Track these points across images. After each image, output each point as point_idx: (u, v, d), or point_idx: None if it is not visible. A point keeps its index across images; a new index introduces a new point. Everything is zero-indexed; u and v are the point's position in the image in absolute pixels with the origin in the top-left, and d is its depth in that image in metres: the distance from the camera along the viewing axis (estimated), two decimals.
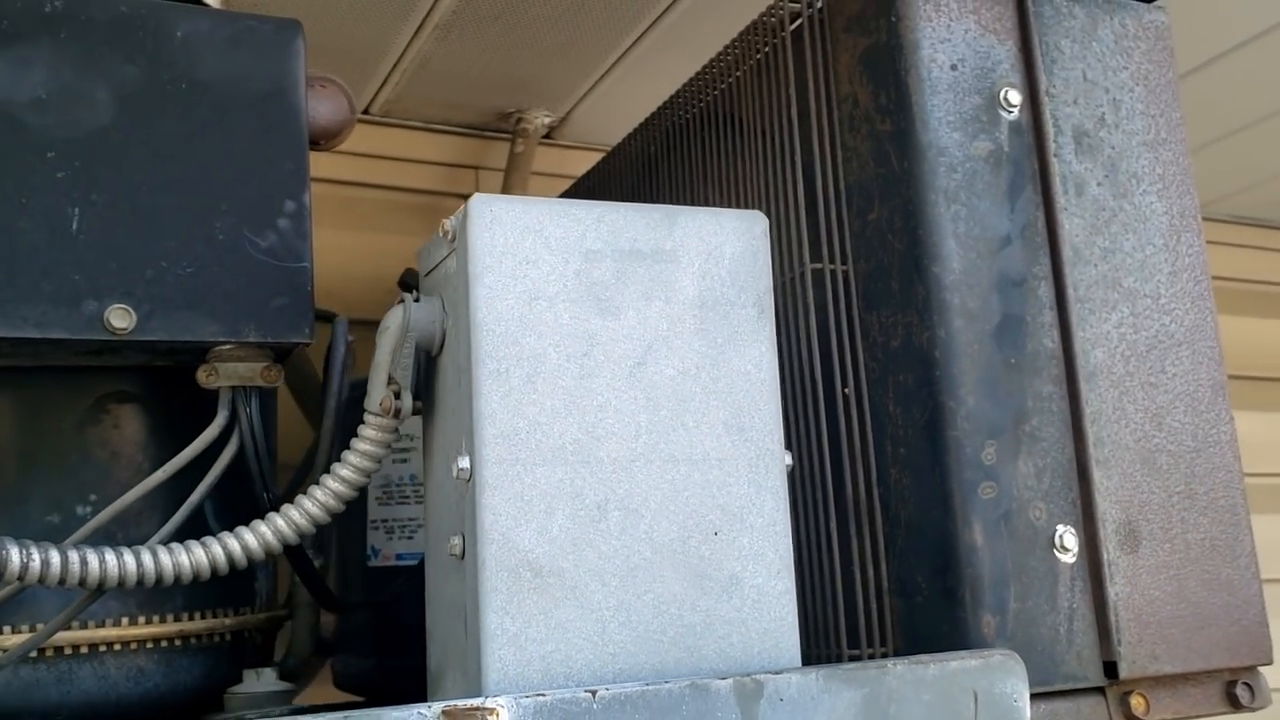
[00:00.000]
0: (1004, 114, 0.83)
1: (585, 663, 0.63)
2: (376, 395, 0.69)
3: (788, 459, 0.70)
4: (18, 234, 0.62)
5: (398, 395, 0.68)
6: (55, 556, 0.61)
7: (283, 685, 0.71)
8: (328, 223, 1.53)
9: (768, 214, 0.88)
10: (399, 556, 1.03)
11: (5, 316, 0.62)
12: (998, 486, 0.76)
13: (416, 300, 0.69)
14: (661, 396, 0.67)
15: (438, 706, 0.55)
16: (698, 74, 1.02)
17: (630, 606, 0.64)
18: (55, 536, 0.66)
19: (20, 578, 0.60)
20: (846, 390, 0.83)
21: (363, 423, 0.70)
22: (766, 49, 0.94)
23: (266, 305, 0.68)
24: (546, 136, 1.61)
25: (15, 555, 0.60)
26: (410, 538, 1.03)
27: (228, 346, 0.68)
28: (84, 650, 0.68)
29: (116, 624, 0.69)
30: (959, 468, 0.76)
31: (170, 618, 0.71)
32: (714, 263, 0.69)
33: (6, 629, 0.67)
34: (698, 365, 0.68)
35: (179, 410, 0.74)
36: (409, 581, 0.96)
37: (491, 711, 0.55)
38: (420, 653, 0.72)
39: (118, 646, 0.69)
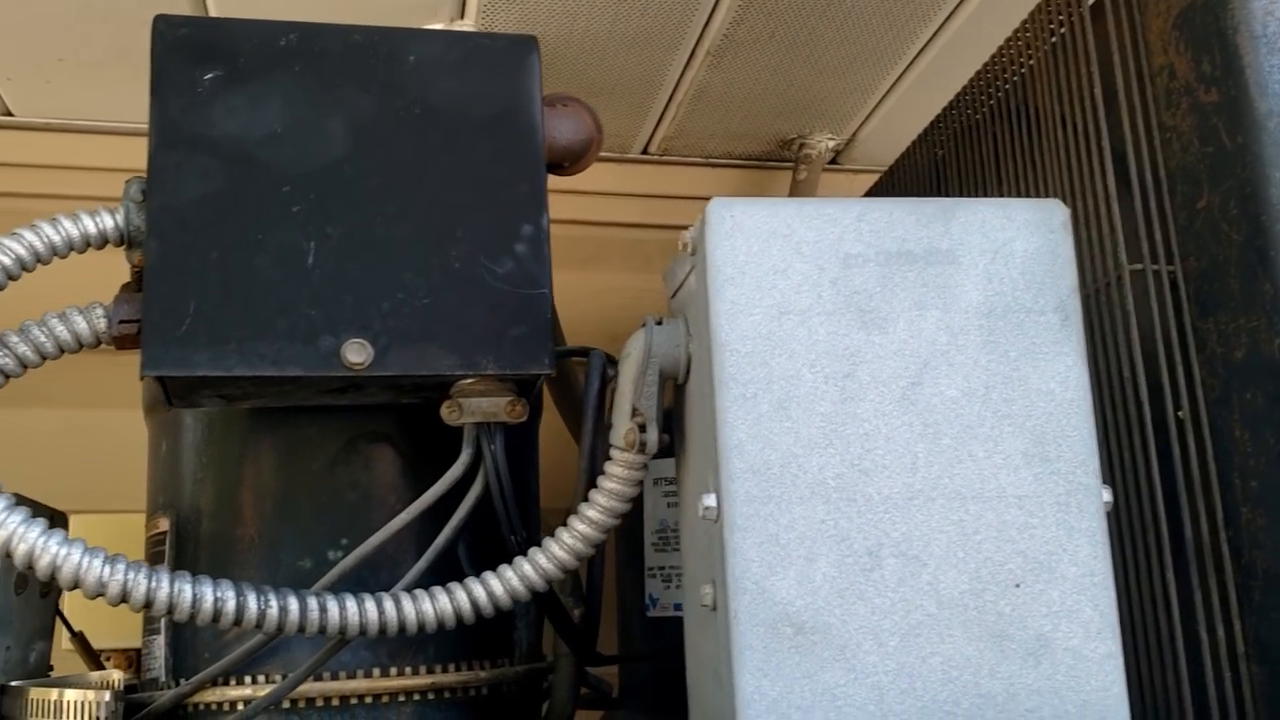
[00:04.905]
0: None
1: None
2: (621, 428, 0.63)
3: (1106, 495, 0.58)
4: (253, 271, 0.61)
5: (643, 428, 0.62)
6: (294, 604, 0.59)
7: None
8: (619, 265, 1.51)
9: (1072, 210, 0.76)
10: (676, 606, 0.97)
11: (243, 355, 0.60)
12: None
13: (659, 323, 0.63)
14: (942, 422, 0.57)
15: None
16: (984, 67, 0.91)
17: (913, 671, 0.54)
18: (307, 582, 0.64)
19: (259, 625, 0.58)
20: (1180, 413, 0.69)
21: (609, 459, 0.64)
22: (1062, 29, 0.82)
23: (504, 335, 0.64)
24: (832, 162, 1.52)
25: (253, 603, 0.58)
26: (679, 587, 0.96)
27: (469, 381, 0.64)
28: (334, 702, 0.66)
29: (367, 675, 0.66)
30: None
31: (423, 669, 0.68)
32: (1002, 262, 0.59)
33: (260, 678, 0.66)
34: (986, 385, 0.57)
35: (429, 450, 0.71)
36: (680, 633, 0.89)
37: None
38: None
39: (368, 699, 0.66)
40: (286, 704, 0.65)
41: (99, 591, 0.55)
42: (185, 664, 0.68)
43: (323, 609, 0.59)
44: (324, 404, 0.67)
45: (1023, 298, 0.58)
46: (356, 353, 0.61)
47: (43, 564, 0.54)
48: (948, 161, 0.97)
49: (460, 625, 0.62)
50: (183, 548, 0.70)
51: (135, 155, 0.66)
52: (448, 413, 0.66)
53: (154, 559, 0.71)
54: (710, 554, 0.57)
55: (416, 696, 0.67)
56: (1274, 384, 0.63)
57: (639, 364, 0.62)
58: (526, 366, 0.64)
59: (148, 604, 0.56)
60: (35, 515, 0.56)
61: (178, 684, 0.67)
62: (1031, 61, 0.85)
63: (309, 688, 0.64)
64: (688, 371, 0.62)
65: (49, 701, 0.65)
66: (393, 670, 0.67)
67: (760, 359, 0.56)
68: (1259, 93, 0.67)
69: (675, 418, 0.64)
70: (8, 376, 0.61)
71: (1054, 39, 0.82)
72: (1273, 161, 0.65)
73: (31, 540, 0.54)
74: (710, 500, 0.55)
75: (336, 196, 0.63)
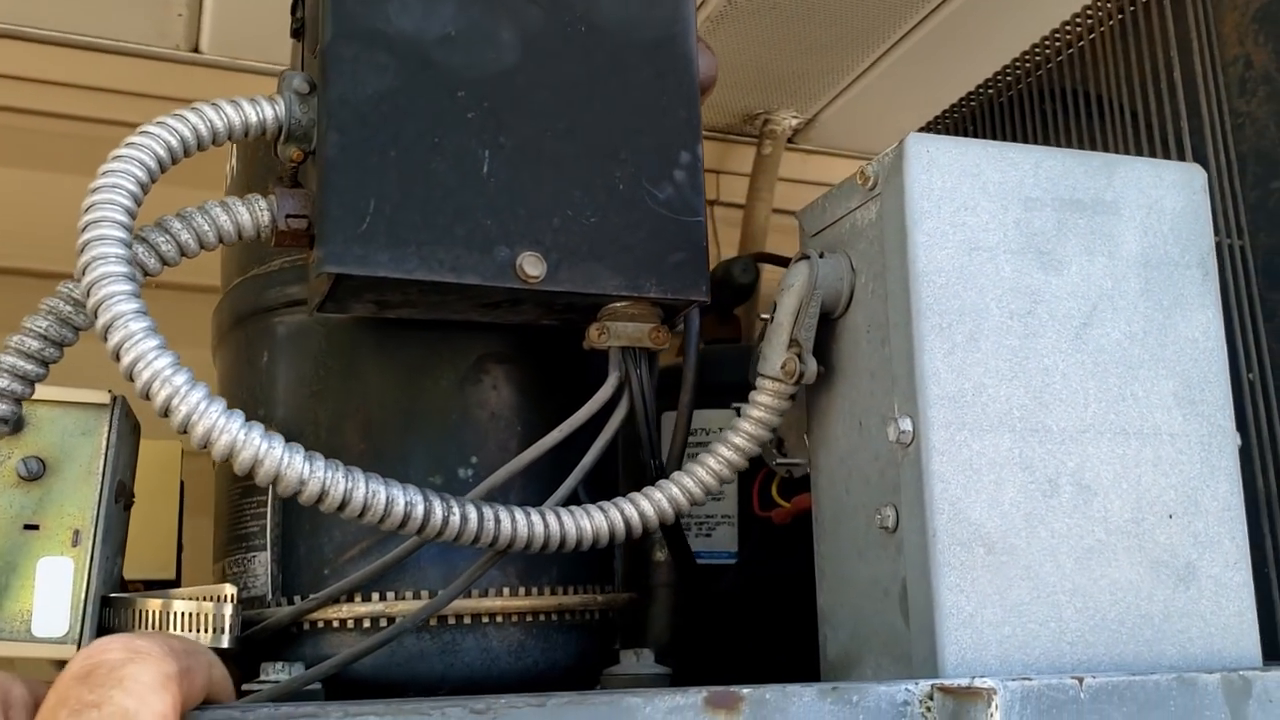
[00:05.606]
0: None
1: (1043, 650, 0.56)
2: (777, 358, 0.64)
3: (1238, 439, 0.63)
4: (431, 174, 0.59)
5: (801, 358, 0.63)
6: (473, 512, 0.58)
7: (661, 668, 0.66)
8: None
9: None
10: (698, 555, 0.98)
11: (423, 259, 0.58)
12: None
13: (821, 256, 0.64)
14: (1109, 361, 0.60)
15: (926, 684, 0.49)
16: (1035, 45, 0.96)
17: (1086, 592, 0.57)
18: None
19: (440, 533, 0.56)
20: (1251, 375, 0.75)
21: (754, 389, 0.65)
22: (1121, 15, 0.87)
23: (664, 261, 0.64)
24: (790, 140, 1.56)
25: (438, 508, 0.56)
26: (709, 535, 0.98)
27: (621, 304, 0.64)
28: (468, 620, 0.64)
29: (499, 594, 0.65)
30: None
31: (548, 590, 0.67)
32: (1155, 217, 0.63)
33: (389, 594, 0.64)
34: (1144, 329, 0.61)
35: (553, 374, 0.70)
36: (734, 580, 0.91)
37: (989, 692, 0.48)
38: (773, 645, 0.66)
39: (499, 619, 0.65)
40: (421, 624, 0.63)
41: (297, 489, 0.53)
42: (299, 581, 0.65)
43: (497, 519, 0.58)
44: (461, 319, 0.66)
45: (1172, 251, 0.63)
46: (533, 265, 0.60)
47: (244, 457, 0.52)
48: (977, 135, 1.02)
49: (577, 550, 0.62)
50: None
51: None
52: (596, 335, 0.65)
53: None
54: (893, 478, 0.59)
55: (543, 617, 0.67)
56: None
57: (801, 295, 0.63)
58: (686, 292, 0.64)
59: (343, 504, 0.54)
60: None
61: (291, 602, 0.65)
62: (1084, 43, 0.90)
63: (448, 606, 0.63)
64: (847, 306, 0.64)
65: (159, 612, 0.62)
66: (521, 590, 0.66)
67: (954, 291, 0.58)
68: None
69: (823, 351, 0.65)
70: (166, 264, 0.58)
71: (1112, 22, 0.88)
72: None
73: (234, 433, 0.51)
74: (906, 425, 0.57)
75: (509, 106, 0.62)
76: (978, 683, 0.49)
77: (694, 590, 0.79)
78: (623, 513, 0.63)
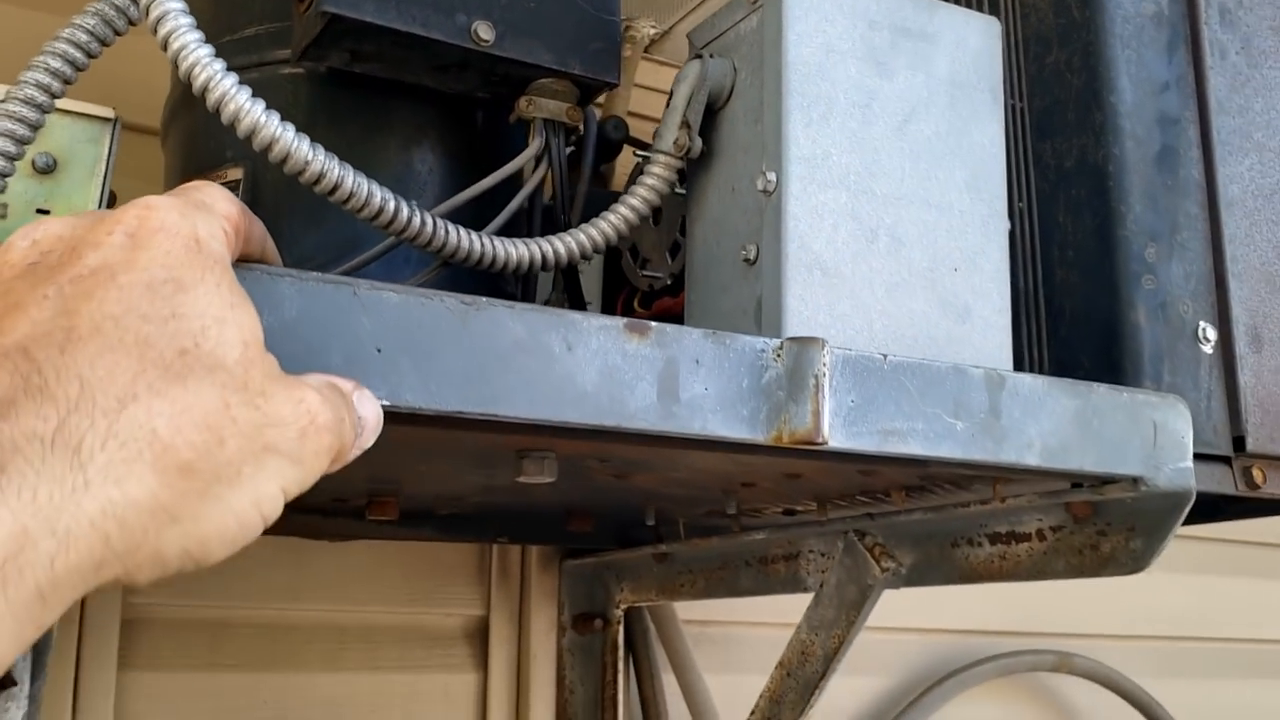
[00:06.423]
0: None
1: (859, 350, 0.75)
2: (670, 135, 0.81)
3: (1008, 224, 0.83)
4: None
5: (690, 136, 0.80)
6: (430, 219, 0.72)
7: None
8: None
9: None
10: None
11: (400, 12, 0.72)
12: (1156, 280, 0.90)
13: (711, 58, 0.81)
14: (920, 151, 0.79)
15: (779, 339, 0.67)
16: None
17: (891, 314, 0.77)
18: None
19: (404, 230, 0.71)
20: (1021, 204, 0.96)
21: (649, 161, 0.82)
22: None
23: (586, 47, 0.79)
24: (646, 50, 1.72)
25: (405, 208, 0.71)
26: None
27: (546, 81, 0.80)
28: None
29: None
30: (1126, 261, 0.90)
31: None
32: (962, 50, 0.82)
33: None
34: (948, 131, 0.81)
35: (479, 143, 0.85)
36: None
37: (824, 342, 0.66)
38: None
39: None
40: None
41: (299, 169, 0.66)
42: None
43: (446, 230, 0.73)
44: (413, 82, 0.79)
45: (971, 77, 0.82)
46: (486, 31, 0.75)
47: (244, 125, 0.65)
48: None
49: (503, 274, 0.77)
50: (259, 196, 0.79)
51: None
52: (525, 106, 0.81)
53: None
54: (759, 222, 0.76)
55: None
56: (1096, 181, 0.92)
57: (693, 85, 0.80)
58: (602, 74, 0.80)
59: (334, 188, 0.67)
60: None
61: None
62: None
63: None
64: (728, 99, 0.81)
65: None
66: None
67: (813, 81, 0.76)
68: None
69: (706, 137, 0.82)
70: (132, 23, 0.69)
71: None
72: (1109, 30, 0.93)
73: (241, 102, 0.64)
74: (771, 178, 0.75)
75: None
76: (816, 337, 0.67)
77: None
78: (540, 249, 0.78)
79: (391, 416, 0.54)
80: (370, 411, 0.50)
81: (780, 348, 0.67)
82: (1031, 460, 0.74)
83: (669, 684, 1.50)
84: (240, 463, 0.39)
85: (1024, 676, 1.85)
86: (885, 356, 0.70)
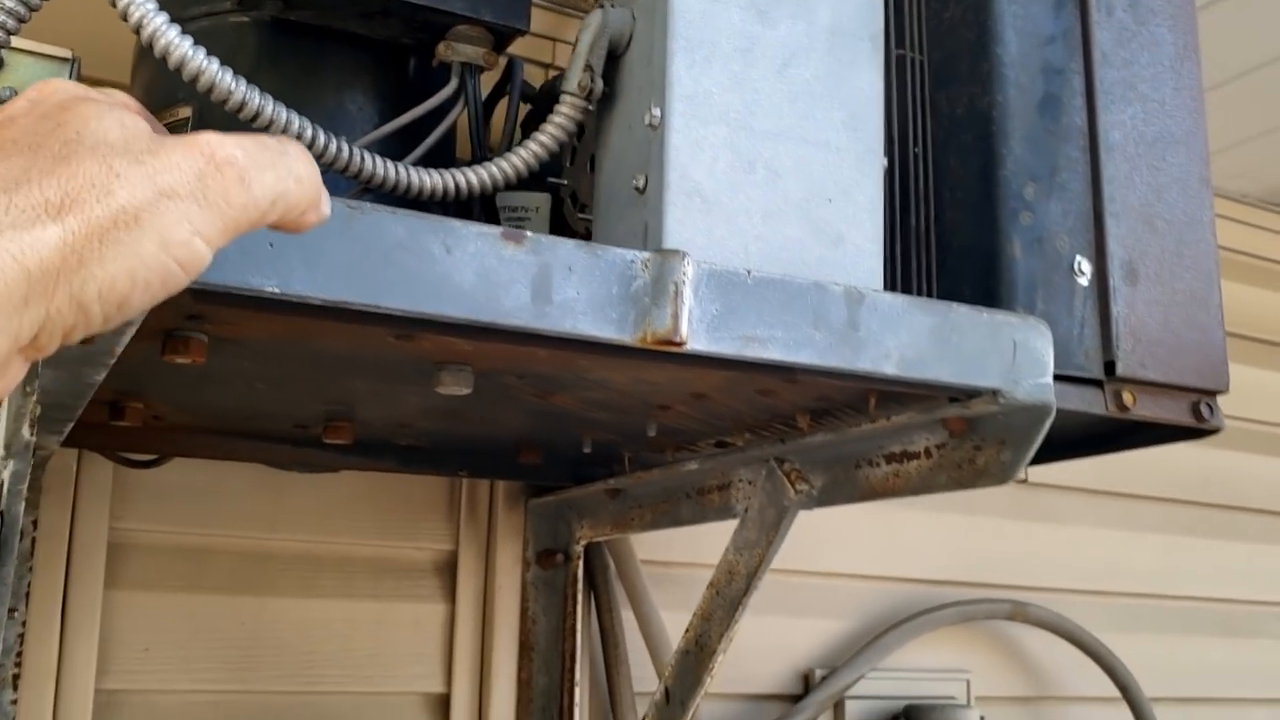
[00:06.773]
0: None
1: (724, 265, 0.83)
2: (575, 79, 0.89)
3: (885, 161, 0.91)
4: None
5: (592, 79, 0.89)
6: (347, 148, 0.81)
7: None
8: None
9: None
10: None
11: None
12: (1034, 216, 0.98)
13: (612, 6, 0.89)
14: (799, 92, 0.87)
15: (646, 252, 0.75)
16: None
17: (766, 239, 0.85)
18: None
19: (321, 156, 0.80)
20: (917, 149, 1.04)
21: (557, 103, 0.90)
22: None
23: None
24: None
25: (322, 137, 0.79)
26: None
27: (463, 28, 0.88)
28: None
29: None
30: (1005, 198, 0.97)
31: None
32: (844, 1, 0.90)
33: None
34: (827, 74, 0.89)
35: (402, 85, 0.93)
36: None
37: (684, 254, 0.75)
38: None
39: None
40: None
41: (236, 106, 0.75)
42: None
43: (366, 160, 0.82)
44: (341, 29, 0.88)
45: (852, 26, 0.90)
46: None
47: (188, 70, 0.74)
48: None
49: (419, 200, 0.86)
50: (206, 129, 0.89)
51: None
52: (444, 50, 0.89)
53: None
54: (645, 154, 0.85)
55: None
56: (982, 125, 0.99)
57: (596, 32, 0.88)
58: (513, 21, 0.89)
59: (254, 116, 0.77)
60: None
61: None
62: None
63: None
64: (627, 45, 0.89)
65: None
66: None
67: (698, 27, 0.84)
68: None
69: (609, 80, 0.91)
70: None
71: None
72: None
73: (184, 50, 0.74)
74: (657, 113, 0.83)
75: None
76: (679, 249, 0.76)
77: None
78: (455, 178, 0.87)
79: (284, 305, 0.63)
80: (306, 170, 0.53)
81: (647, 259, 0.75)
82: (889, 369, 0.82)
83: (628, 620, 1.59)
84: (136, 209, 0.44)
85: (981, 624, 1.93)
86: (749, 271, 0.78)
